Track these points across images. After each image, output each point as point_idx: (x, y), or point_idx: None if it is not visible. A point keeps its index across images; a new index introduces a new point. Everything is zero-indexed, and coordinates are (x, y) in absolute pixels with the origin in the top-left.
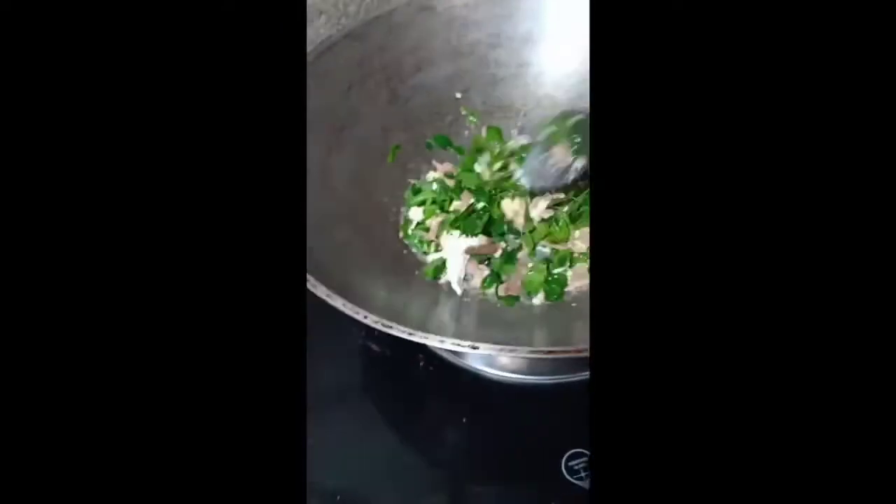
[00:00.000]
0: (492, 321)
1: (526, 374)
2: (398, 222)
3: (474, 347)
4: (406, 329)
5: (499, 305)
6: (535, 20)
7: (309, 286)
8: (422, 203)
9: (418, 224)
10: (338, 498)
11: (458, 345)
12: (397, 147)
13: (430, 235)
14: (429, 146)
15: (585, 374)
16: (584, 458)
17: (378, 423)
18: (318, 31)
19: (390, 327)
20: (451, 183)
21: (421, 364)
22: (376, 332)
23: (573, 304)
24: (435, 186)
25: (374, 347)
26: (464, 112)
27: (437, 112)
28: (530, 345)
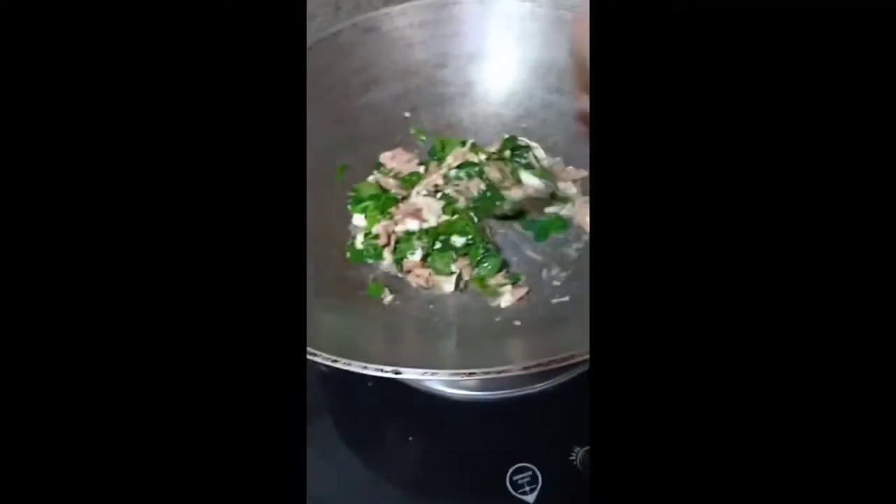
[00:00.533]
0: (432, 340)
1: (472, 391)
2: (344, 242)
3: (397, 373)
4: (329, 357)
5: (439, 323)
6: (479, 39)
7: None
8: (363, 210)
9: (366, 235)
10: None
11: (381, 370)
12: (344, 167)
13: (382, 240)
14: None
15: (528, 389)
16: (529, 473)
17: (335, 441)
18: None
19: (315, 354)
20: (391, 183)
21: (369, 384)
22: None
23: (516, 323)
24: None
25: (323, 367)
26: (413, 131)
27: (386, 131)
28: (469, 366)
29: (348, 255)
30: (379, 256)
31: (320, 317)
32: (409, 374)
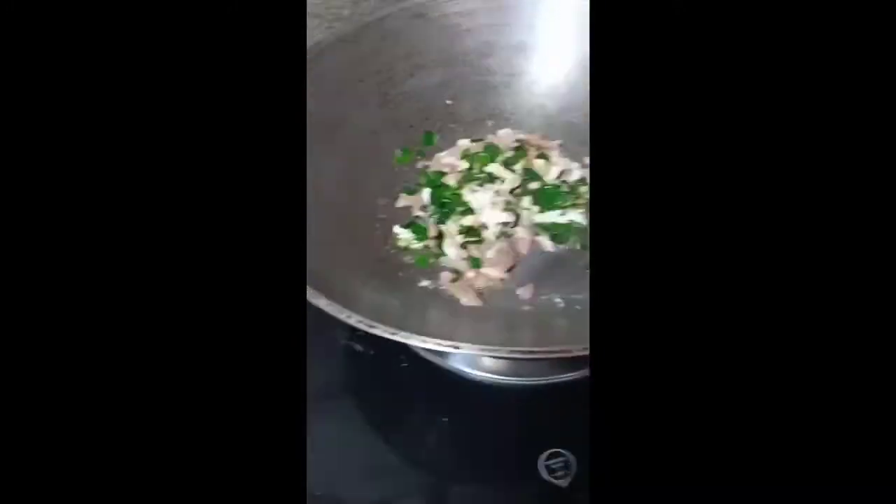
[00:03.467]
0: (476, 320)
1: (506, 376)
2: (386, 223)
3: (456, 348)
4: (389, 329)
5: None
6: (528, 31)
7: None
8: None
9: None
10: (317, 495)
11: (440, 345)
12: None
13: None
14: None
15: (564, 376)
16: (563, 458)
17: (360, 424)
18: (310, 33)
19: (374, 327)
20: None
21: (403, 365)
22: (359, 333)
23: (558, 303)
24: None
25: (358, 347)
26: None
27: (427, 118)
28: (514, 345)
29: (413, 260)
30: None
31: (370, 295)
32: (467, 351)
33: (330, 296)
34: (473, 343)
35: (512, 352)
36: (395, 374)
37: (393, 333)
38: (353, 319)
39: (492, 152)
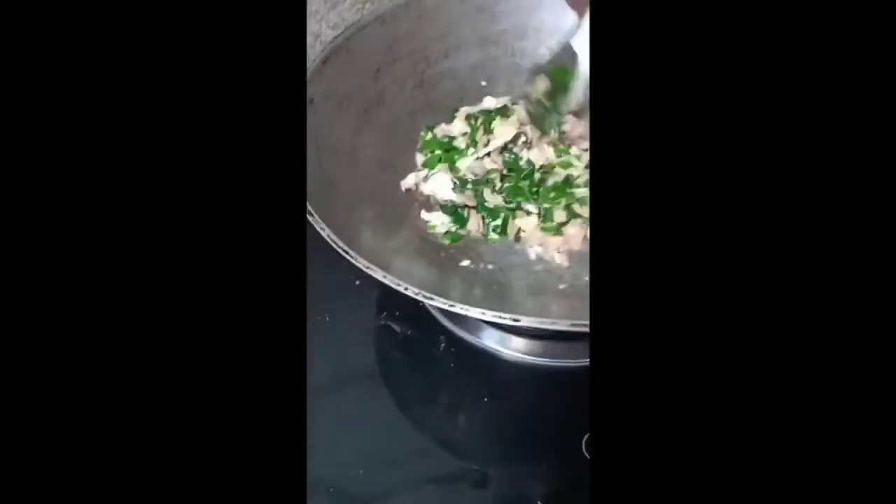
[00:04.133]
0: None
1: (539, 357)
2: (424, 205)
3: (516, 320)
4: (447, 301)
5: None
6: (562, 12)
7: (349, 258)
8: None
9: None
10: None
11: (500, 317)
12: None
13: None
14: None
15: None
16: None
17: (394, 407)
18: (342, 14)
19: (431, 299)
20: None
21: (442, 346)
22: (398, 314)
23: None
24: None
25: (396, 328)
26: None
27: (462, 98)
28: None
29: (447, 241)
30: (462, 223)
31: (419, 271)
32: (527, 322)
33: (387, 269)
34: (535, 316)
35: (572, 325)
36: (434, 356)
37: (451, 306)
38: (411, 292)
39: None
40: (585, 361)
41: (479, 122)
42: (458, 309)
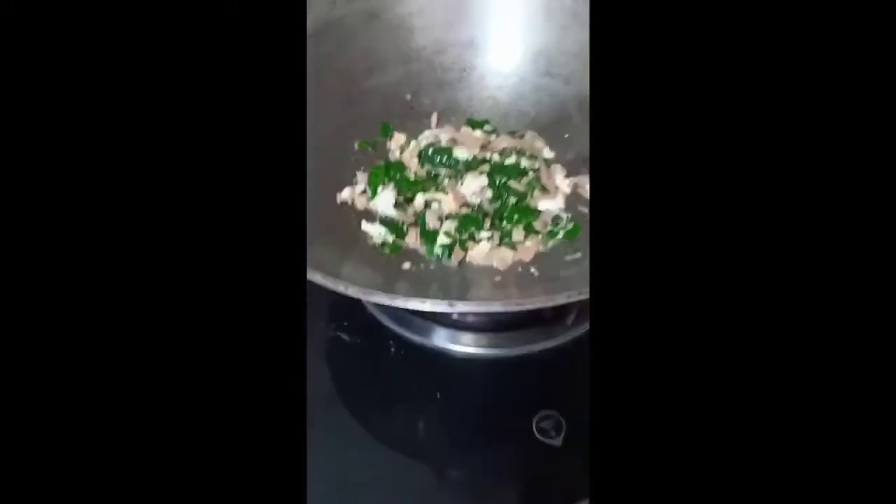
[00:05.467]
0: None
1: (487, 348)
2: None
3: (451, 305)
4: (388, 295)
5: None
6: (477, 26)
7: None
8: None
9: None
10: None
11: (437, 304)
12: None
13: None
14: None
15: (542, 345)
16: (553, 419)
17: (348, 415)
18: None
19: (371, 294)
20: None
21: (392, 350)
22: (346, 323)
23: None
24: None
25: (346, 338)
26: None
27: (390, 113)
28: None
29: (386, 251)
30: (401, 235)
31: (363, 279)
32: (464, 308)
33: (322, 270)
34: (474, 301)
35: (506, 304)
36: (385, 361)
37: (392, 299)
38: (351, 291)
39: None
40: (530, 348)
41: (444, 164)
42: (398, 303)
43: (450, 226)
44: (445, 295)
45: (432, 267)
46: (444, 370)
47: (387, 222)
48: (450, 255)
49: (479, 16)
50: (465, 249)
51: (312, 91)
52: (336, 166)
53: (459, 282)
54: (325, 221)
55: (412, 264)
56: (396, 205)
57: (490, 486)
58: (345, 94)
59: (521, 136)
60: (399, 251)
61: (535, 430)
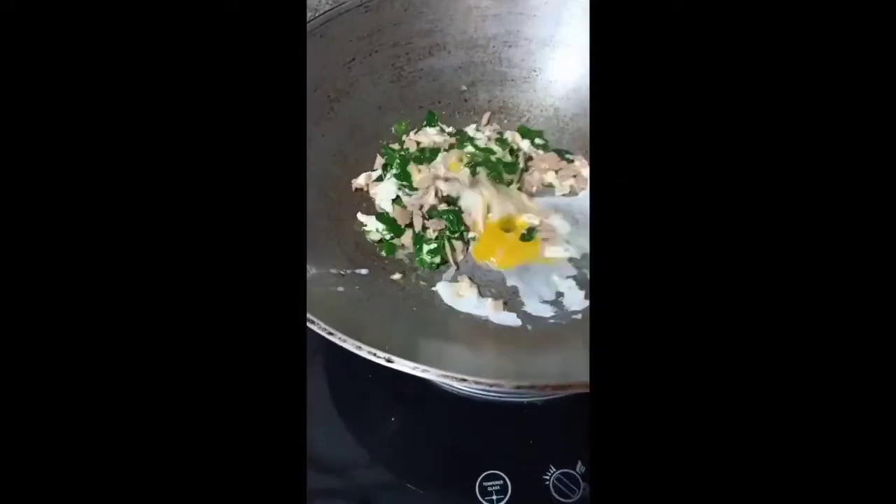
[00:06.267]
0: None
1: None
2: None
3: (389, 361)
4: (326, 327)
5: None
6: (555, 25)
7: None
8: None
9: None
10: None
11: (374, 354)
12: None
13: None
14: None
15: (520, 398)
16: (500, 482)
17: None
18: None
19: (313, 322)
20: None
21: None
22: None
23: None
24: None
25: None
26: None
27: (439, 101)
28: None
29: (383, 252)
30: (398, 232)
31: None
32: (400, 366)
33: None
34: (410, 361)
35: (444, 376)
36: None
37: (330, 334)
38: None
39: None
40: (509, 397)
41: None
42: (336, 339)
43: (436, 224)
44: (412, 329)
45: (423, 283)
46: (404, 393)
47: (382, 217)
48: (441, 260)
49: (568, 14)
50: (454, 248)
51: (360, 63)
52: (364, 147)
53: (435, 318)
54: (332, 204)
55: (403, 276)
56: (395, 201)
57: None
58: (395, 70)
59: (571, 161)
60: (392, 253)
61: (476, 488)
